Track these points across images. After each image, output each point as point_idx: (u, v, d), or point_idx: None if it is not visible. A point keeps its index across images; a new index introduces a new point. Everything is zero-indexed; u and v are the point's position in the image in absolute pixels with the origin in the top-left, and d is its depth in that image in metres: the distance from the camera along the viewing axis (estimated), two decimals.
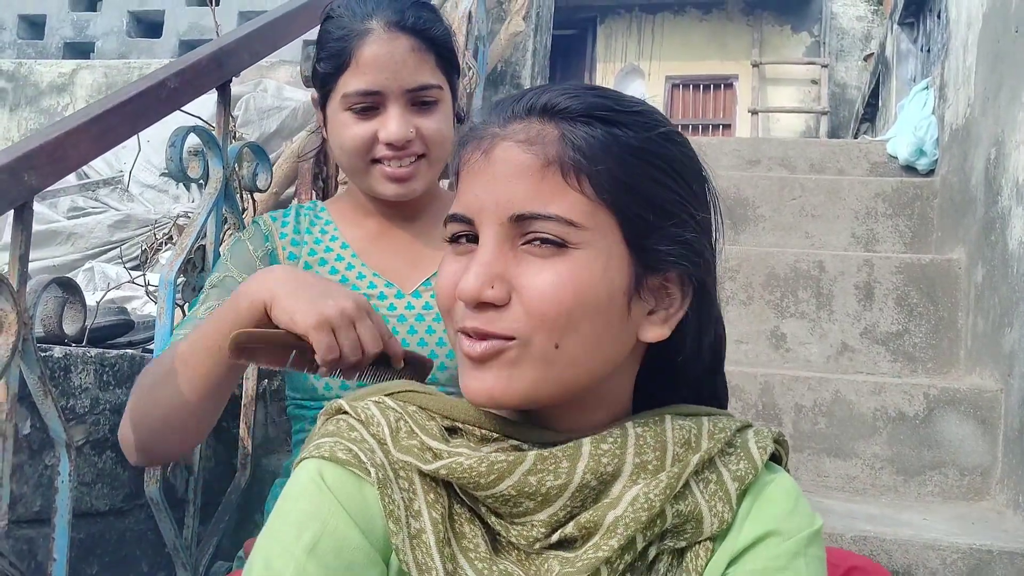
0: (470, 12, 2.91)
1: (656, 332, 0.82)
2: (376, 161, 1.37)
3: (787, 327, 2.72)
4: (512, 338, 0.77)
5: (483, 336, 0.77)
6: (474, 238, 0.80)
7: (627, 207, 0.78)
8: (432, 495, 0.78)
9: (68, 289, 1.40)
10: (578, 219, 0.77)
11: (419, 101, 1.36)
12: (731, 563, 0.80)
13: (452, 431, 0.83)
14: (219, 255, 1.60)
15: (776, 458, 0.88)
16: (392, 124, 1.34)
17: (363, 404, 0.83)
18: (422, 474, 0.79)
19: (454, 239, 0.83)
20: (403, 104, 1.35)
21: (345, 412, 0.83)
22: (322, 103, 1.42)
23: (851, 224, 3.17)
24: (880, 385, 2.31)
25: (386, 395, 0.85)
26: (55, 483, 1.39)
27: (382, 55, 1.33)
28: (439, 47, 1.38)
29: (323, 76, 1.38)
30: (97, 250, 3.16)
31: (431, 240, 1.46)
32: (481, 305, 0.77)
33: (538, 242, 0.77)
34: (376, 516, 0.76)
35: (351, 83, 1.34)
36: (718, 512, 0.80)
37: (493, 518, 0.79)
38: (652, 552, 0.79)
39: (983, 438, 2.23)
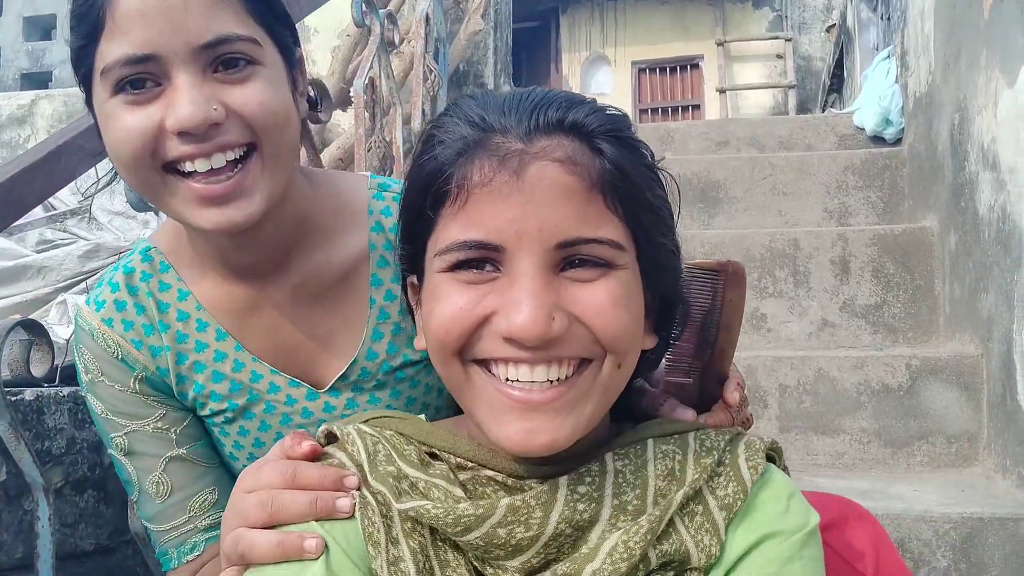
0: (427, 14, 2.89)
1: (649, 341, 0.82)
2: (174, 170, 0.91)
3: (767, 307, 2.73)
4: (587, 360, 0.74)
5: (548, 361, 0.72)
6: (494, 264, 0.73)
7: (644, 225, 0.77)
8: (409, 524, 0.76)
9: (33, 330, 1.37)
10: (622, 241, 0.74)
11: (223, 63, 0.90)
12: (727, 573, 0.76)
13: (432, 455, 0.81)
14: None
15: (769, 458, 0.83)
16: (182, 101, 0.88)
17: (347, 430, 0.81)
18: None
19: (459, 265, 0.74)
20: (196, 69, 0.89)
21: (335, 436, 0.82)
22: (87, 97, 0.96)
23: (823, 199, 3.18)
24: (862, 359, 2.32)
25: (362, 422, 0.83)
26: (35, 528, 1.37)
27: None
28: None
29: (76, 52, 0.94)
30: (69, 282, 3.12)
31: (339, 296, 1.05)
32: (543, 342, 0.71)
33: (586, 264, 0.73)
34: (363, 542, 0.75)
35: (111, 50, 0.89)
36: (705, 546, 0.76)
37: (470, 553, 0.76)
38: None
39: (967, 404, 2.24)
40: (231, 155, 0.90)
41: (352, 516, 0.75)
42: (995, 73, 2.18)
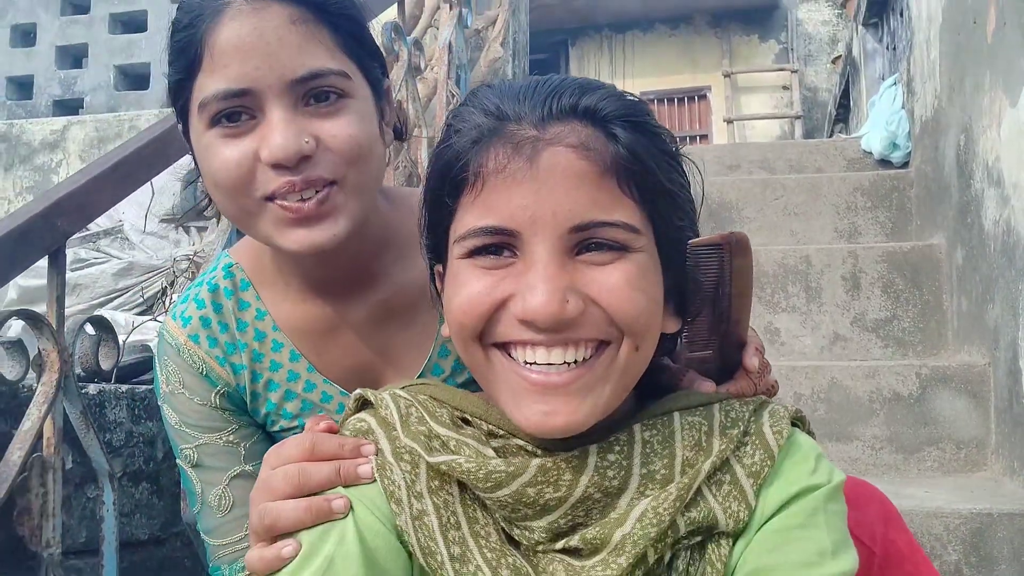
0: (450, 42, 3.02)
1: (671, 324, 0.84)
2: (269, 198, 0.96)
3: (780, 322, 2.81)
4: (605, 343, 0.76)
5: (564, 343, 0.75)
6: (511, 249, 0.76)
7: (661, 209, 0.78)
8: (437, 481, 0.78)
9: (102, 327, 1.47)
10: (637, 224, 0.76)
11: (314, 96, 0.96)
12: (758, 530, 0.79)
13: (464, 420, 0.83)
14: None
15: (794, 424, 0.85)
16: (275, 134, 0.93)
17: (380, 395, 0.84)
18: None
19: (478, 251, 0.76)
20: (289, 103, 0.94)
21: (368, 402, 0.86)
22: (184, 129, 1.03)
23: (833, 219, 3.28)
24: (873, 369, 2.40)
25: (399, 388, 0.86)
26: (98, 514, 1.46)
27: (245, 35, 0.93)
28: (334, 16, 0.98)
29: (174, 86, 1.00)
30: (103, 299, 3.23)
31: (411, 313, 1.08)
32: (557, 325, 0.73)
33: (601, 248, 0.75)
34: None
35: (208, 84, 0.94)
36: (733, 512, 0.78)
37: (497, 514, 0.79)
38: (668, 553, 0.78)
39: (976, 411, 2.32)
40: (320, 185, 0.95)
41: (373, 480, 0.78)
42: (998, 94, 2.29)
